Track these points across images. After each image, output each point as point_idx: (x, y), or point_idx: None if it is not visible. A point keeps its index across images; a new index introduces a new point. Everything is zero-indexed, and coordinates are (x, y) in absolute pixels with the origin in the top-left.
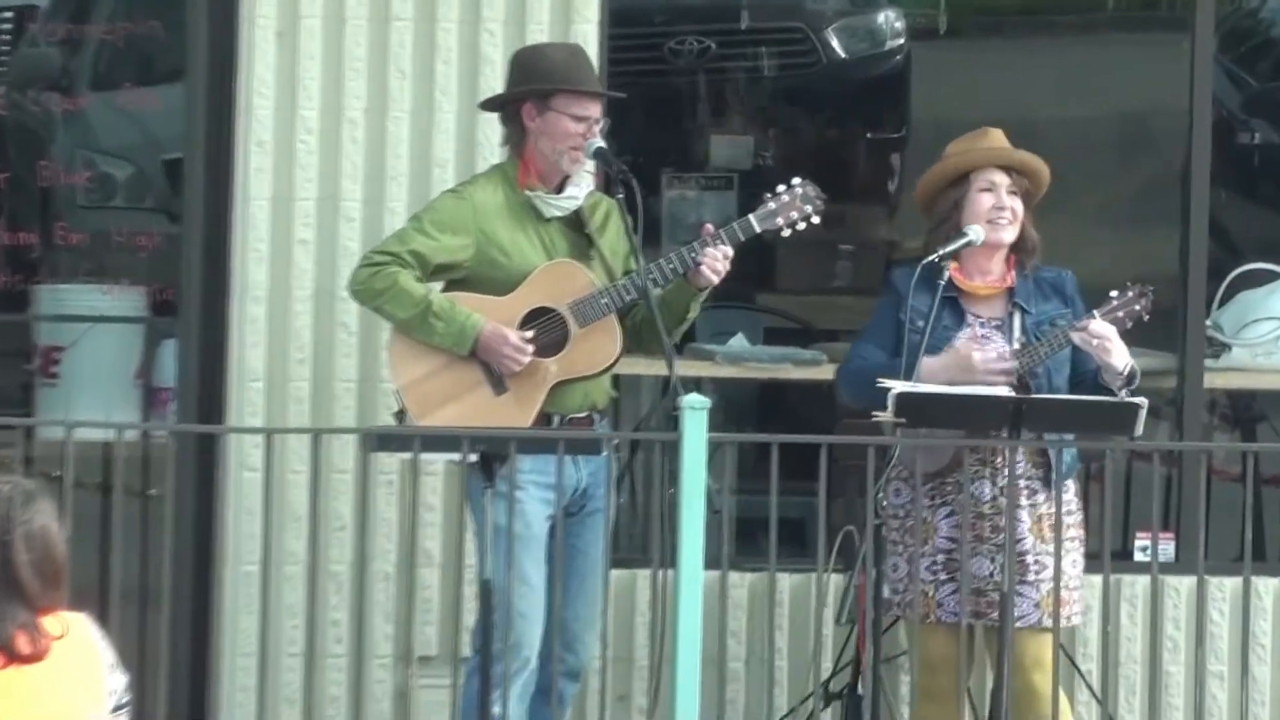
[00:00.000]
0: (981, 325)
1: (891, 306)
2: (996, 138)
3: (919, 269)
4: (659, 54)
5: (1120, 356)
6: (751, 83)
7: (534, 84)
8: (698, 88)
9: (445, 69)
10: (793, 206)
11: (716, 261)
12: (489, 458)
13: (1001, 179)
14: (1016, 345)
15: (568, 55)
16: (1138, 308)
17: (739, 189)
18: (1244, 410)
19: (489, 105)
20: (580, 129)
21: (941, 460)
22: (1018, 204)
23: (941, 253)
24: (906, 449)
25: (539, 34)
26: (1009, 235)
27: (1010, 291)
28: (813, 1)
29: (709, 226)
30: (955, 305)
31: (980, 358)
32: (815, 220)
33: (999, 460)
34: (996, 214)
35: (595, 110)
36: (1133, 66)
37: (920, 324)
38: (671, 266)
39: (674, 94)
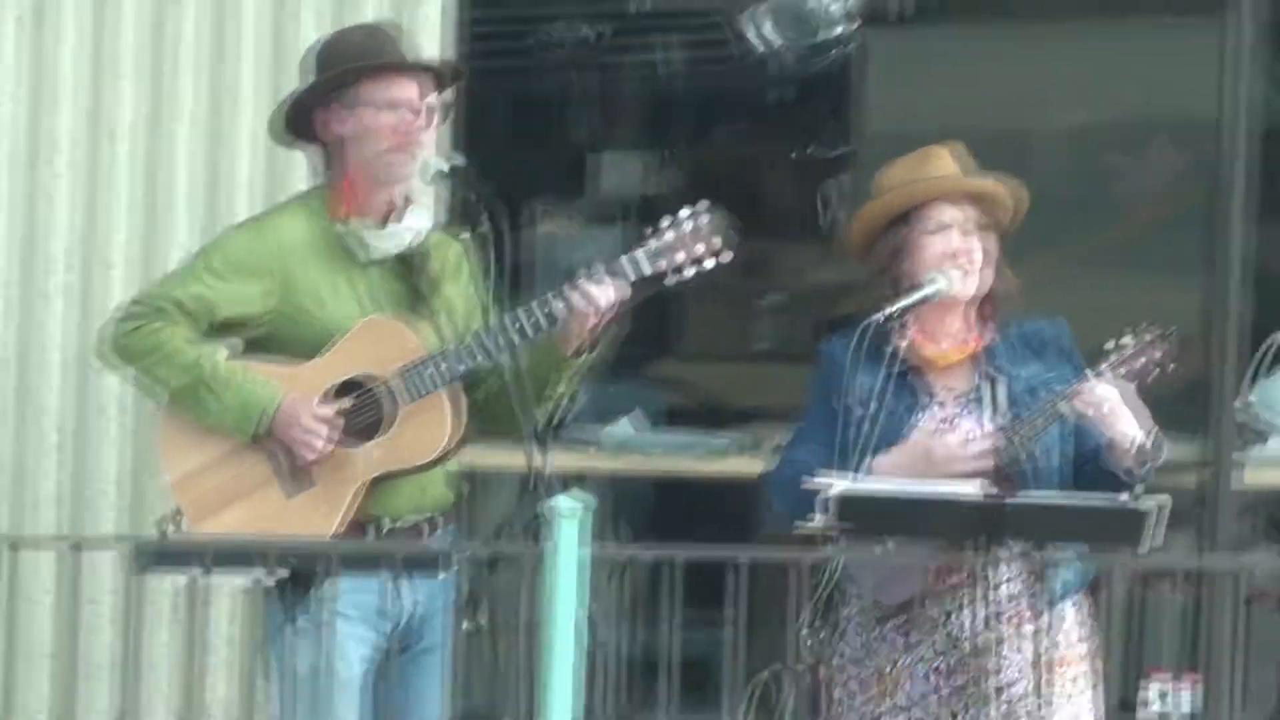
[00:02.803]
0: (941, 405)
1: (827, 390)
2: (944, 161)
3: (857, 334)
4: (523, 45)
5: (1129, 425)
6: (645, 83)
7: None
8: (574, 90)
9: (241, 65)
10: (695, 239)
11: (589, 304)
12: (292, 578)
13: (955, 214)
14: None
15: (366, 34)
16: (1156, 355)
17: (631, 222)
18: None
19: (282, 134)
20: (392, 119)
21: (911, 586)
22: (978, 244)
23: (888, 310)
24: (859, 570)
25: (367, 16)
26: (969, 287)
27: (983, 354)
28: None
29: (598, 266)
30: (908, 380)
31: (942, 448)
32: (724, 258)
33: (992, 576)
34: (951, 263)
35: (411, 91)
36: (1153, 60)
37: (861, 411)
38: (532, 320)
39: (544, 99)
